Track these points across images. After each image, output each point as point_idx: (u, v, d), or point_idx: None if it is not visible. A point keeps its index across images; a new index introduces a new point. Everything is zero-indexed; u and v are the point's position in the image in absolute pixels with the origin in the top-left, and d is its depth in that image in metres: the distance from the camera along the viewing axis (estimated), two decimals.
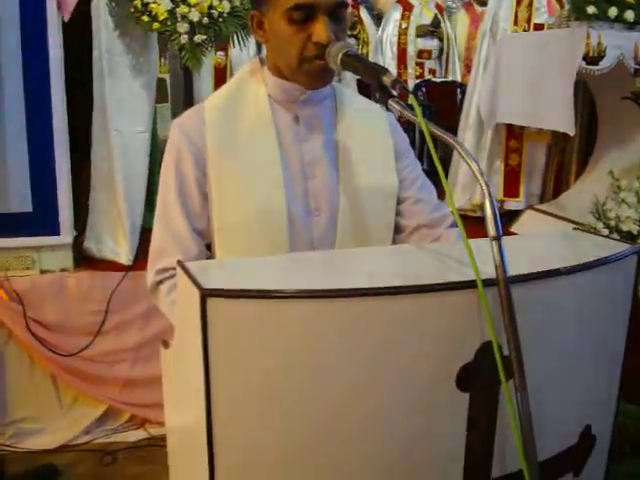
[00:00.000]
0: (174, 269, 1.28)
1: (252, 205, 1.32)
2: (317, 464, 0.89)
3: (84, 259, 3.28)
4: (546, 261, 0.97)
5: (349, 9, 1.11)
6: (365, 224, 1.38)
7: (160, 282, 1.37)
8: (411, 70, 5.73)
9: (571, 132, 3.55)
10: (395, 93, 1.07)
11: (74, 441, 3.22)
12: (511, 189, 4.22)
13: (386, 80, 1.08)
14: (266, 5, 1.30)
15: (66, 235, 3.12)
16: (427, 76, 5.73)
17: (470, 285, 0.85)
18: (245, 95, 1.38)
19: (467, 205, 4.17)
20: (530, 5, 4.20)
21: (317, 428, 0.87)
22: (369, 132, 1.43)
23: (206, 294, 0.81)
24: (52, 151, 3.02)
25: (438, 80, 5.69)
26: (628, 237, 2.95)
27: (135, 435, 3.32)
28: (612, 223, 3.02)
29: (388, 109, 1.09)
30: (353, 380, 0.86)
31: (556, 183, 4.39)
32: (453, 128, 4.62)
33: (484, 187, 0.88)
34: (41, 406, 3.19)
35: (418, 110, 0.99)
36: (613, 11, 3.49)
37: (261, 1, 1.31)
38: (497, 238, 0.87)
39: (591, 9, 3.47)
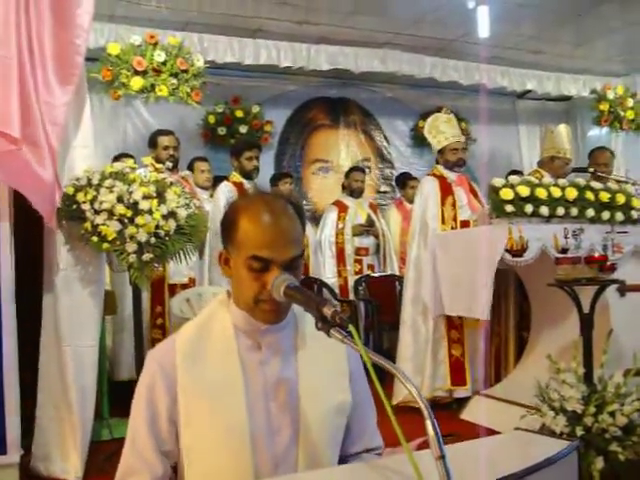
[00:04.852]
0: None
1: (218, 429, 1.40)
2: None
3: (30, 477, 3.18)
4: (494, 467, 1.05)
5: None
6: (323, 441, 1.46)
7: None
8: (350, 267, 5.96)
9: (483, 317, 3.83)
10: (336, 322, 1.17)
11: None
12: (458, 378, 4.34)
13: (326, 311, 1.18)
14: (232, 248, 1.44)
15: (13, 454, 3.05)
16: (366, 271, 5.97)
17: None
18: (213, 325, 1.49)
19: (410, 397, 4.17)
20: (454, 204, 4.51)
21: None
22: (327, 356, 1.51)
23: None
24: (1, 373, 3.01)
25: (377, 274, 5.98)
26: (574, 417, 2.99)
27: None
28: (557, 404, 3.06)
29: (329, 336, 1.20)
30: None
31: (497, 367, 4.53)
32: (394, 321, 4.81)
33: (424, 409, 0.98)
34: None
35: (357, 338, 1.11)
36: (529, 208, 3.82)
37: (229, 243, 1.45)
38: (441, 457, 0.96)
39: (509, 207, 3.80)
